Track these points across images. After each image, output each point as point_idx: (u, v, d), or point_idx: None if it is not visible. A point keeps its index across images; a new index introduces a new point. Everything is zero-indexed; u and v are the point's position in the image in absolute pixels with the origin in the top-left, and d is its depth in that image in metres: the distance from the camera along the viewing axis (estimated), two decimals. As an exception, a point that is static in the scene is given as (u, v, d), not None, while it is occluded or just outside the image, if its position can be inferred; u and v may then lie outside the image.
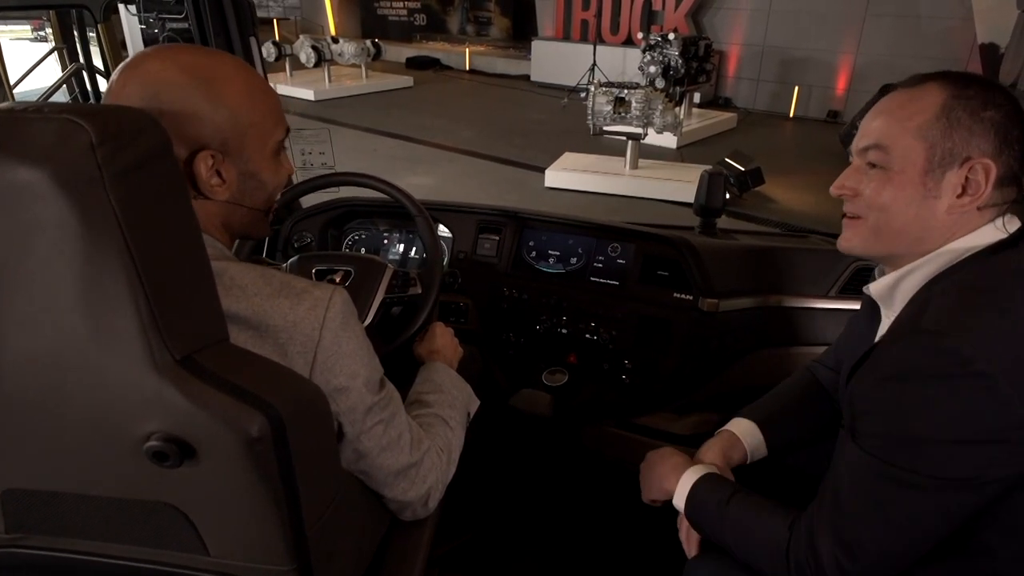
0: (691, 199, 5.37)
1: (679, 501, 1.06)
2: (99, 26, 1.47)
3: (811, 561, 0.84)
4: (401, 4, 12.48)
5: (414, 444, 0.91)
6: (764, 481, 1.18)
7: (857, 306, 1.43)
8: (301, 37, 8.93)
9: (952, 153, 0.83)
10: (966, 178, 0.83)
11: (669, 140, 6.33)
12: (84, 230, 0.56)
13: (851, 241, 0.94)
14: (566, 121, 7.44)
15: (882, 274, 0.96)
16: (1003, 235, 0.84)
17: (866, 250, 0.93)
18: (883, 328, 0.98)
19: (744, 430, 1.17)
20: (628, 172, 5.44)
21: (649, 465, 1.16)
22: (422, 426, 1.01)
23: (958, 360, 0.73)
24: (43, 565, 0.78)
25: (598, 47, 8.45)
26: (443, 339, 1.28)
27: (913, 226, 0.87)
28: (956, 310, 0.78)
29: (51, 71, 3.54)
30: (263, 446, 0.64)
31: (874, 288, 0.95)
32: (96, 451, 0.66)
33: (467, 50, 11.22)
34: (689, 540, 1.09)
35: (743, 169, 4.95)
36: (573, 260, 1.59)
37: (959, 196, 0.84)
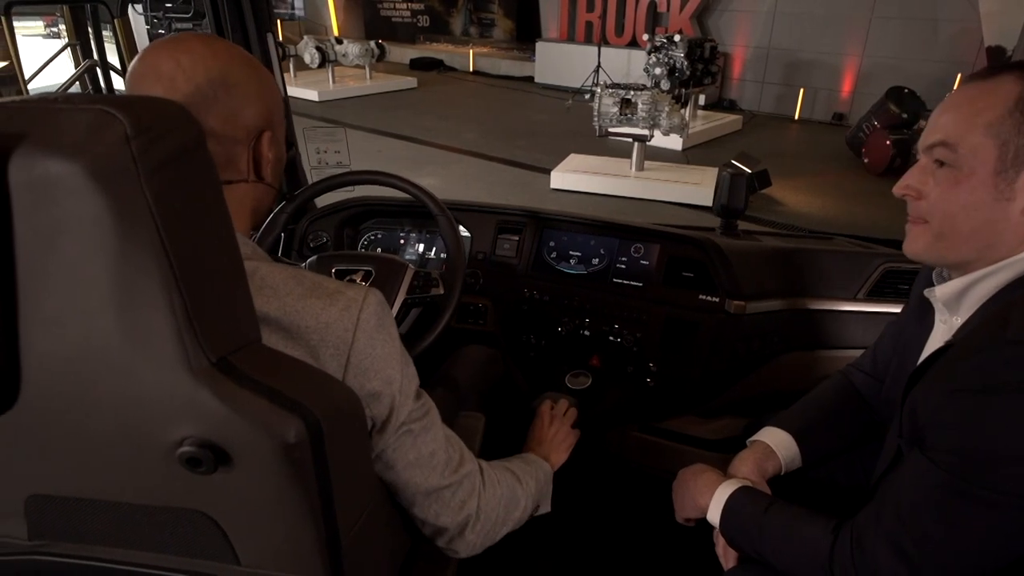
0: (698, 201, 5.33)
1: (714, 515, 1.03)
2: (116, 21, 1.45)
3: (862, 571, 0.81)
4: (405, 6, 12.47)
5: (450, 465, 0.86)
6: (797, 493, 1.15)
7: (886, 309, 1.43)
8: (305, 38, 8.92)
9: None
10: None
11: (675, 142, 6.32)
12: (118, 225, 0.53)
13: (915, 246, 0.88)
14: (571, 123, 7.43)
15: (941, 278, 0.91)
16: None
17: (932, 256, 0.88)
18: (938, 333, 0.94)
19: (779, 441, 1.13)
20: (634, 174, 5.43)
21: (682, 483, 1.13)
22: (488, 473, 0.95)
23: None
24: (66, 573, 0.75)
25: (603, 49, 8.44)
26: (553, 432, 1.27)
27: (983, 231, 0.81)
28: None
29: (64, 68, 3.53)
30: (300, 452, 0.61)
31: (940, 291, 0.89)
32: (125, 456, 0.64)
33: (471, 51, 11.21)
34: (727, 555, 1.06)
35: (750, 171, 4.92)
36: (595, 261, 1.56)
37: None
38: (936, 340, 0.94)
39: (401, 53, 11.62)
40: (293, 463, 0.62)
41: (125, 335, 0.57)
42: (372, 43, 9.13)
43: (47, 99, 0.56)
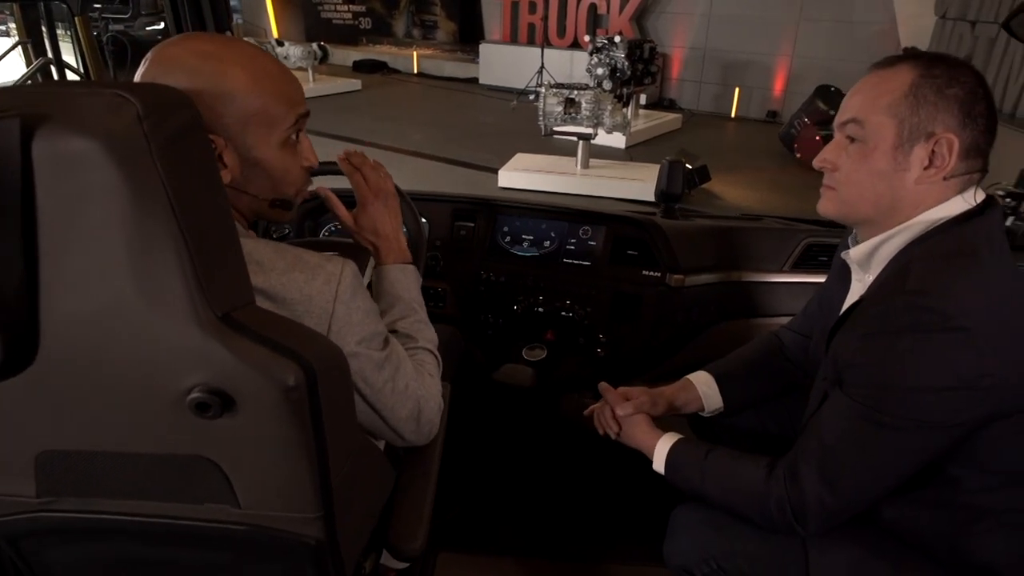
0: (642, 197, 5.49)
1: (659, 465, 1.14)
2: (76, 20, 1.46)
3: (793, 497, 0.94)
4: (346, 8, 12.38)
5: (412, 389, 0.95)
6: (732, 442, 1.28)
7: (809, 279, 1.58)
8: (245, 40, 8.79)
9: (919, 128, 0.90)
10: (932, 151, 0.90)
11: (618, 140, 6.49)
12: (134, 195, 0.61)
13: (827, 207, 1.02)
14: (516, 123, 7.54)
15: (855, 241, 1.05)
16: (970, 206, 0.92)
17: (841, 216, 1.02)
18: (855, 291, 1.07)
19: (700, 380, 1.29)
20: (579, 172, 5.58)
21: (627, 435, 1.23)
22: (415, 363, 1.01)
23: (940, 316, 0.82)
24: (73, 528, 0.81)
25: (545, 50, 8.59)
26: (384, 223, 1.10)
27: (885, 197, 0.95)
28: (937, 272, 0.86)
29: (14, 67, 3.42)
30: (298, 394, 0.69)
31: (854, 253, 1.03)
32: (137, 407, 0.70)
33: (415, 53, 11.23)
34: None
35: (690, 167, 5.13)
36: (546, 243, 1.67)
37: (926, 168, 0.91)
38: (853, 296, 1.07)
39: (344, 55, 11.54)
40: (292, 405, 0.69)
41: (141, 293, 0.64)
42: (314, 45, 9.07)
43: (64, 85, 0.63)
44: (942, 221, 0.92)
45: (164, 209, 0.62)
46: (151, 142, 0.61)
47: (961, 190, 0.93)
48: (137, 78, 0.81)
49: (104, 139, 0.59)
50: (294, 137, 0.90)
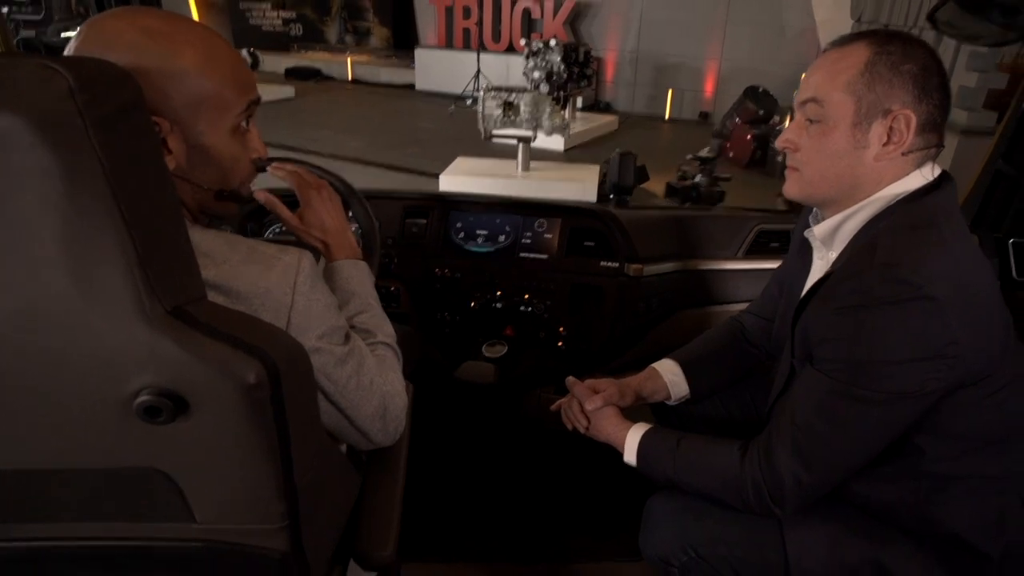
0: (583, 197, 5.52)
1: (630, 457, 1.12)
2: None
3: (768, 477, 0.93)
4: (275, 14, 12.08)
5: (377, 385, 0.90)
6: (699, 430, 1.28)
7: (762, 265, 1.60)
8: (170, 47, 8.46)
9: (876, 105, 0.91)
10: (890, 127, 0.91)
11: (557, 142, 6.54)
12: (68, 177, 0.54)
13: (791, 189, 1.02)
14: (455, 128, 7.51)
15: (817, 219, 1.05)
16: (927, 180, 0.94)
17: (804, 197, 1.02)
18: (817, 268, 1.08)
19: (666, 368, 1.28)
20: (521, 174, 5.57)
21: (596, 429, 1.21)
22: (377, 358, 0.96)
23: (911, 287, 0.82)
24: (2, 558, 0.73)
25: (481, 55, 8.59)
26: (331, 219, 1.06)
27: (846, 175, 0.96)
28: (905, 245, 0.87)
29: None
30: (260, 393, 0.63)
31: (817, 231, 1.03)
32: (78, 416, 0.63)
33: (349, 59, 11.04)
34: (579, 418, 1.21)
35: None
36: (501, 238, 1.64)
37: (885, 144, 0.92)
38: (816, 274, 1.08)
39: (275, 62, 11.26)
40: (253, 404, 0.64)
41: (78, 288, 0.57)
42: (244, 51, 8.82)
43: None
44: (902, 196, 0.94)
45: (102, 192, 0.56)
46: (86, 119, 0.54)
47: (918, 165, 0.95)
48: (69, 53, 0.73)
49: (30, 115, 0.52)
50: (244, 124, 0.85)
